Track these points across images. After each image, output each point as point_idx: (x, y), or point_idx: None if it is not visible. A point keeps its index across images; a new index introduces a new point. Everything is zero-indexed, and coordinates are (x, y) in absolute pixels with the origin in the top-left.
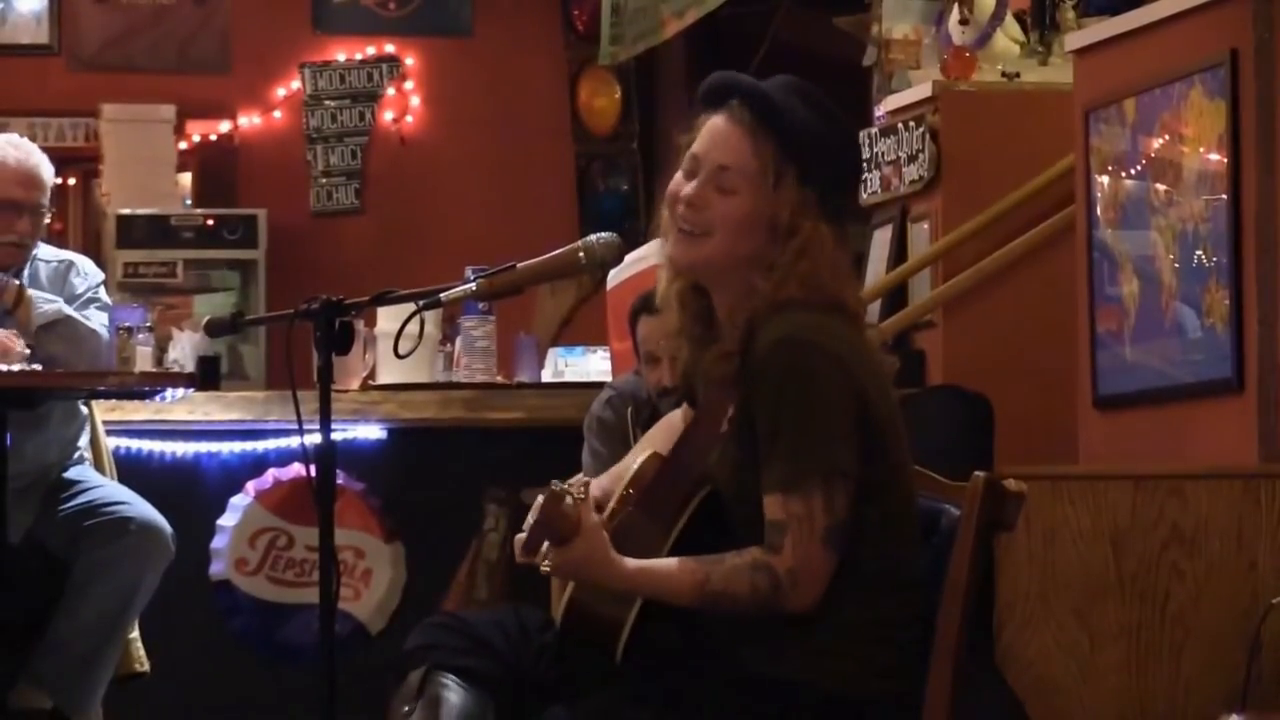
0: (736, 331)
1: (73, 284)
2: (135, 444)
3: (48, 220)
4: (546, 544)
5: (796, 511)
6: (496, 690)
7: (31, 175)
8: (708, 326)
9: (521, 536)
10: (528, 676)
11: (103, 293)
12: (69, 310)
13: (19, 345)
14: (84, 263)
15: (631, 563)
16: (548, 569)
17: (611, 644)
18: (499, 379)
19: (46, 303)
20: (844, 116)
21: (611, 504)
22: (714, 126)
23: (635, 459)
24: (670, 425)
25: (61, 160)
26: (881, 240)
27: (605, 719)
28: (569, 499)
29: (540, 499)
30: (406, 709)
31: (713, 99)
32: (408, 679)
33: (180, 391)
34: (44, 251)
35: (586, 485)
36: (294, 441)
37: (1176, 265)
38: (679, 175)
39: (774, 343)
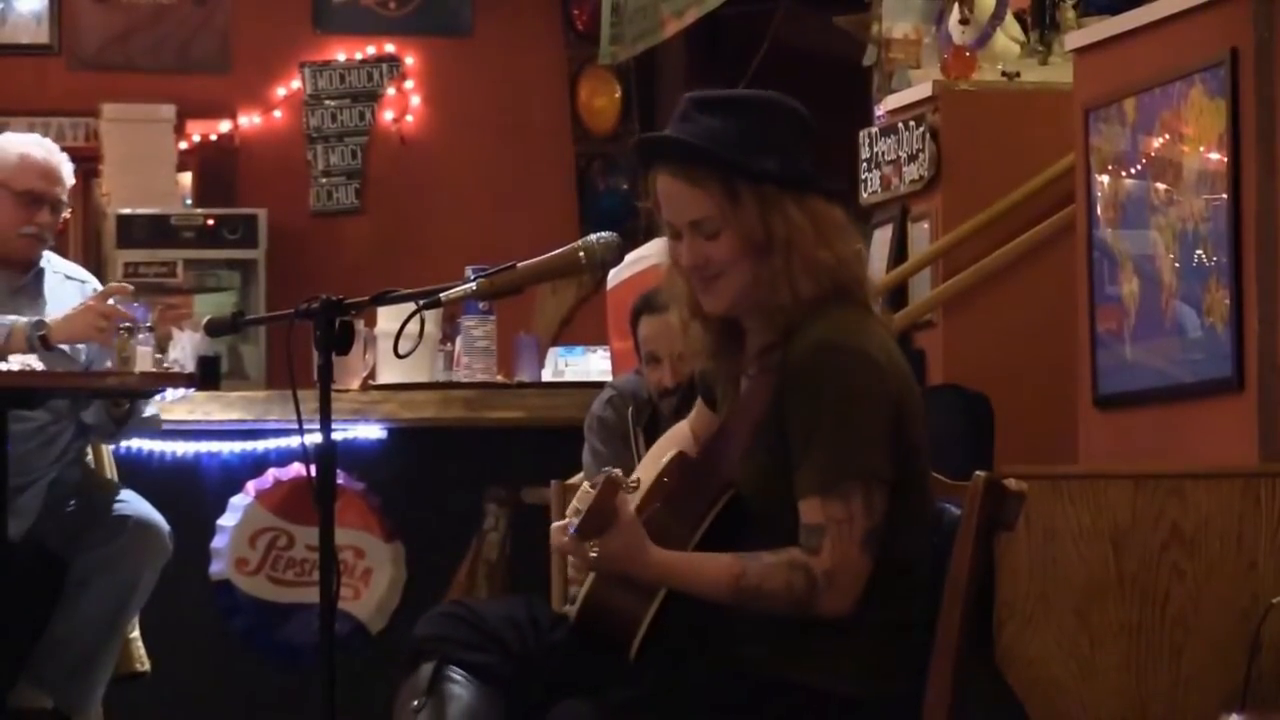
0: (777, 329)
1: None
2: (135, 444)
3: (66, 216)
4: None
5: (835, 514)
6: (506, 687)
7: (54, 170)
8: (732, 337)
9: (560, 525)
10: (538, 672)
11: None
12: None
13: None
14: (97, 284)
15: (666, 554)
16: (594, 557)
17: (627, 641)
18: (499, 379)
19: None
20: (753, 91)
21: (638, 500)
22: (663, 189)
23: (660, 459)
24: (679, 436)
25: None
26: (881, 240)
27: (616, 715)
28: (625, 488)
29: (591, 488)
30: (416, 704)
31: (644, 159)
32: (418, 671)
33: (180, 391)
34: (63, 266)
35: (630, 480)
36: (294, 441)
37: (1176, 265)
38: (672, 242)
39: (813, 346)
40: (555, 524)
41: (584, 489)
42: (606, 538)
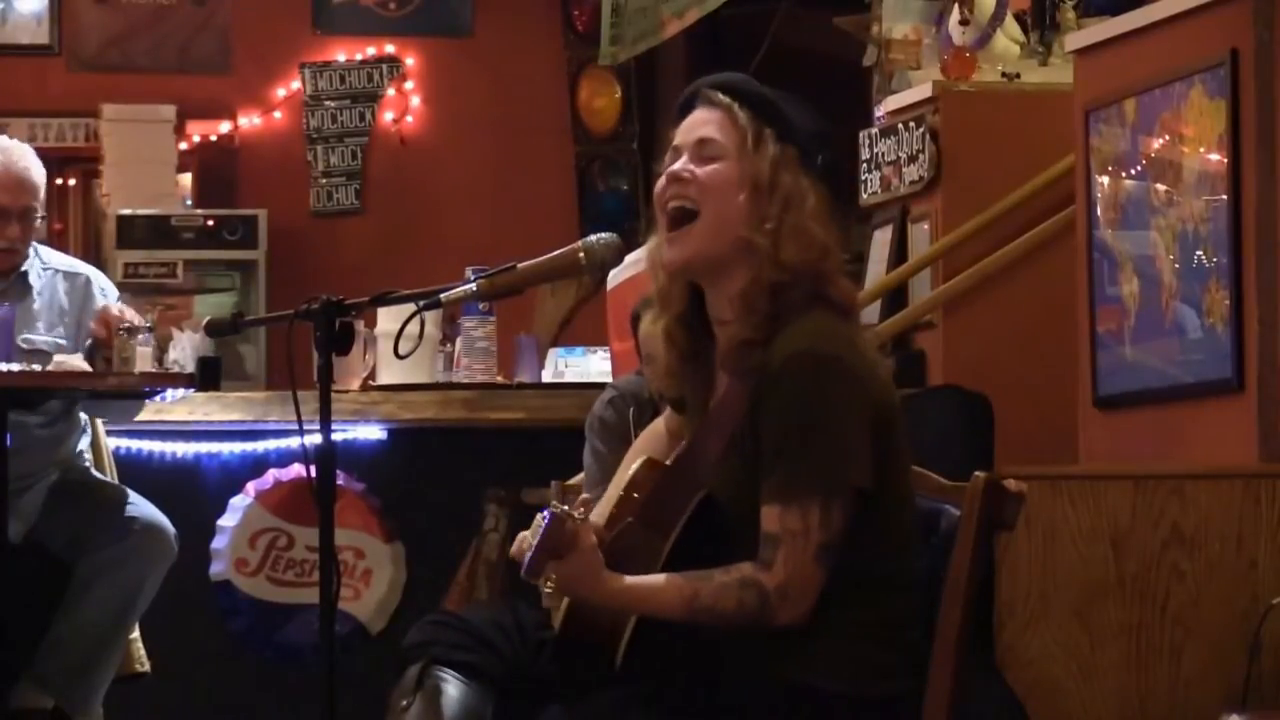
0: (756, 317)
1: (96, 302)
2: (135, 444)
3: (39, 222)
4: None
5: (792, 526)
6: (495, 685)
7: (19, 180)
8: (702, 340)
9: (522, 549)
10: (526, 673)
11: None
12: None
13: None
14: (100, 278)
15: (621, 581)
16: (551, 589)
17: (612, 648)
18: (499, 379)
19: None
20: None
21: (609, 511)
22: (690, 118)
23: (628, 468)
24: (655, 434)
25: (61, 160)
26: (882, 240)
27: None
28: (570, 522)
29: (542, 521)
30: (405, 702)
31: (686, 102)
32: (406, 673)
33: (180, 392)
34: (54, 259)
35: (587, 504)
36: (294, 442)
37: (1176, 265)
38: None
39: (791, 355)
40: (517, 544)
41: (537, 520)
42: (561, 567)
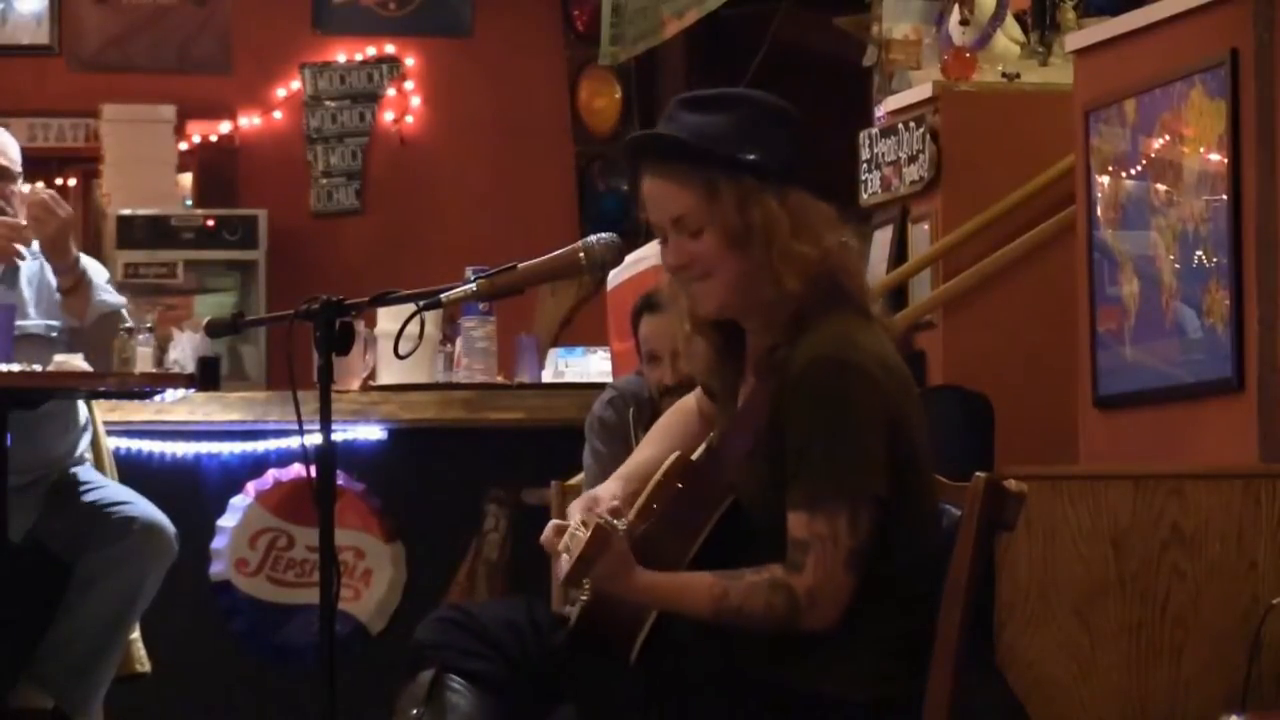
0: (778, 328)
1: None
2: (135, 444)
3: (18, 186)
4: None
5: (821, 532)
6: (504, 693)
7: None
8: (732, 345)
9: (552, 542)
10: (536, 676)
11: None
12: (123, 301)
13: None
14: (85, 260)
15: (650, 576)
16: (586, 598)
17: (628, 643)
18: (499, 379)
19: (105, 292)
20: (737, 89)
21: (637, 505)
22: (647, 190)
23: (661, 457)
24: (685, 410)
25: (61, 160)
26: (882, 241)
27: None
28: (614, 533)
29: (581, 531)
30: (415, 712)
31: (630, 162)
32: (417, 679)
33: (180, 392)
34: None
35: (617, 509)
36: (294, 442)
37: (1176, 265)
38: (662, 247)
39: (811, 361)
40: (551, 523)
41: (577, 527)
42: (595, 567)
